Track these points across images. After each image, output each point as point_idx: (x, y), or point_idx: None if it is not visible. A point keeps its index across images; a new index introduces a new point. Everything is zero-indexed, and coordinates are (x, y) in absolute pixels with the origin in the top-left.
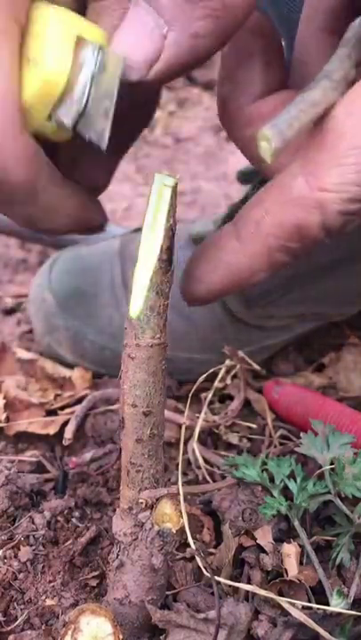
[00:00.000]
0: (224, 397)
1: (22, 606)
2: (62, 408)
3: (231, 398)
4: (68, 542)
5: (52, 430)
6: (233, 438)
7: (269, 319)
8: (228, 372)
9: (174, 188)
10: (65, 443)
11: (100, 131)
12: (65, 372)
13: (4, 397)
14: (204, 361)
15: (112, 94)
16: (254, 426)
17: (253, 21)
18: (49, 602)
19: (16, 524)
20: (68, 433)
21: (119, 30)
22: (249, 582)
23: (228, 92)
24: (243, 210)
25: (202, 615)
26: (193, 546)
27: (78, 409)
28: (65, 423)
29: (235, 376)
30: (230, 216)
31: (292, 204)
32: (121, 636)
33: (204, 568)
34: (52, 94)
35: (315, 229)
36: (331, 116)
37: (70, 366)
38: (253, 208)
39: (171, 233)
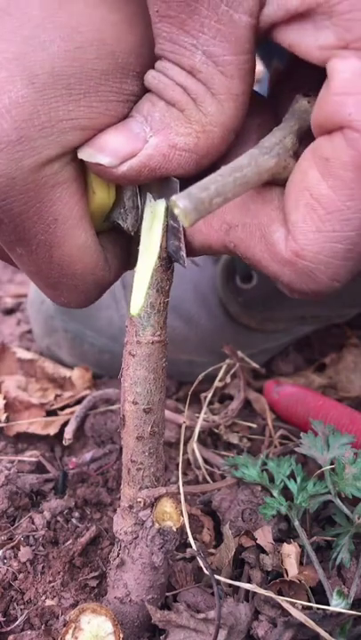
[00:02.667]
0: (224, 397)
1: (22, 606)
2: (62, 408)
3: (231, 398)
4: (68, 542)
5: (52, 430)
6: (233, 438)
7: (269, 322)
8: (227, 371)
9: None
10: (65, 443)
11: (175, 248)
12: (65, 371)
13: (4, 397)
14: (205, 363)
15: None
16: (254, 426)
17: (251, 100)
18: (49, 602)
19: (16, 525)
20: (68, 433)
21: (106, 130)
22: (249, 582)
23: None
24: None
25: (202, 615)
26: (194, 546)
27: (78, 409)
28: (65, 423)
29: (234, 376)
30: None
31: (267, 248)
32: (122, 635)
33: (205, 568)
34: (104, 210)
35: (271, 274)
36: (302, 173)
37: (70, 366)
38: (235, 209)
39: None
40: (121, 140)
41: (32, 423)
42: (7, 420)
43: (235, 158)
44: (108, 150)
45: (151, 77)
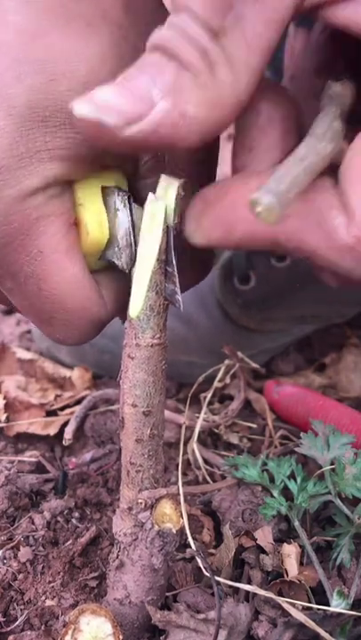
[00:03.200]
0: (224, 398)
1: (22, 607)
2: (62, 408)
3: (231, 399)
4: (68, 543)
5: (52, 431)
6: (233, 438)
7: (268, 322)
8: (227, 372)
9: (178, 190)
10: (65, 443)
11: (171, 292)
12: (65, 372)
13: (4, 398)
14: (204, 364)
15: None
16: (254, 426)
17: (273, 91)
18: (49, 602)
19: (16, 525)
20: (68, 433)
21: (105, 84)
22: (249, 583)
23: (245, 160)
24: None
25: (202, 616)
26: (193, 546)
27: (78, 409)
28: (65, 423)
29: (235, 376)
30: None
31: (323, 233)
32: (121, 637)
33: (204, 568)
34: (98, 249)
35: (324, 259)
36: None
37: (70, 366)
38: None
39: (176, 232)
40: (127, 99)
41: (32, 423)
42: (7, 420)
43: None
44: (112, 109)
45: (167, 34)
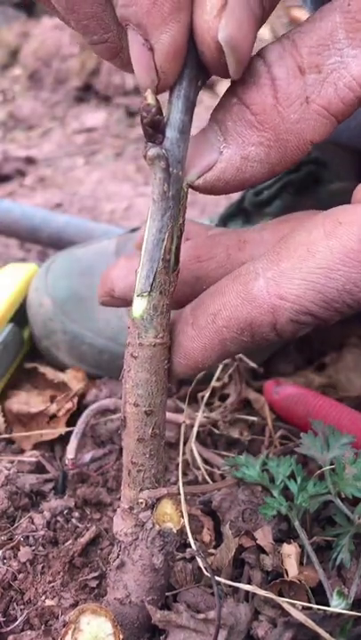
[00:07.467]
0: (224, 397)
1: (22, 607)
2: (60, 409)
3: None
4: (68, 543)
5: (52, 436)
6: (233, 432)
7: None
8: (226, 370)
9: (185, 191)
10: (69, 464)
11: None
12: (63, 375)
13: (7, 414)
14: None
15: None
16: (255, 419)
17: None
18: (48, 602)
19: (16, 525)
20: (71, 452)
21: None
22: (249, 583)
23: None
24: (202, 296)
25: (202, 615)
26: (193, 546)
27: (78, 425)
28: (66, 424)
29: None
30: (225, 219)
31: (249, 303)
32: (121, 636)
33: (204, 568)
34: None
35: (266, 329)
36: (307, 231)
37: (68, 366)
38: (212, 298)
39: (179, 232)
40: (200, 153)
41: (34, 435)
42: (10, 432)
43: None
44: (192, 164)
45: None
